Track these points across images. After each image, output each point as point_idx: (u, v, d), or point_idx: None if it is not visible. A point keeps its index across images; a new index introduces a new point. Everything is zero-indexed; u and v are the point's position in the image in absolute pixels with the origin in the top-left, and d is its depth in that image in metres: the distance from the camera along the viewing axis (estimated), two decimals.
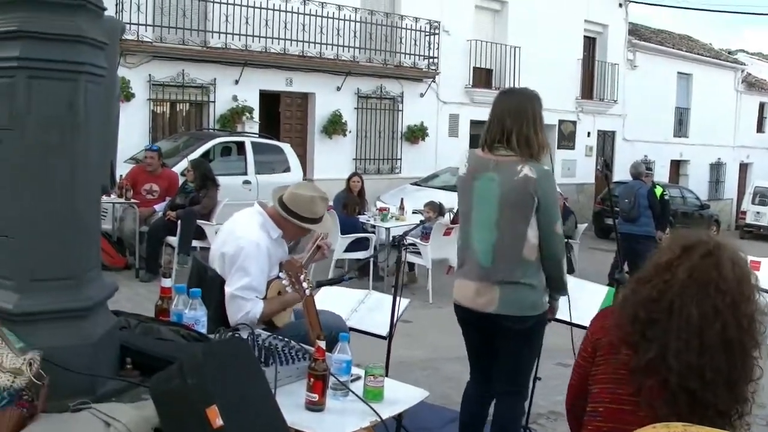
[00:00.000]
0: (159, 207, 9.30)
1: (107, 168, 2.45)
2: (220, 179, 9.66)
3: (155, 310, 3.01)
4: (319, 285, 3.35)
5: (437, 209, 9.58)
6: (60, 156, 2.18)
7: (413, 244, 8.70)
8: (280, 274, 3.14)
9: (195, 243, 9.01)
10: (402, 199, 10.86)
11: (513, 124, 3.45)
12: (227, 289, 3.41)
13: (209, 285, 3.42)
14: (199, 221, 8.94)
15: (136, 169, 9.54)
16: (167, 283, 3.00)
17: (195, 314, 2.91)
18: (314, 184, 3.74)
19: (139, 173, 9.41)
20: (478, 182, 3.50)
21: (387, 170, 17.04)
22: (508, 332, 3.48)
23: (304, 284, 3.06)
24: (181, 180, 9.67)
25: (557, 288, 3.56)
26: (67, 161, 2.21)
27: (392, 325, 3.84)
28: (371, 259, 8.67)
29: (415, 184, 14.75)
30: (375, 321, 4.07)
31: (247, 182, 11.40)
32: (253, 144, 11.85)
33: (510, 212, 3.43)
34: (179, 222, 8.84)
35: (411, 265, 9.37)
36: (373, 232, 9.92)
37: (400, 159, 17.22)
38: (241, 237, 3.46)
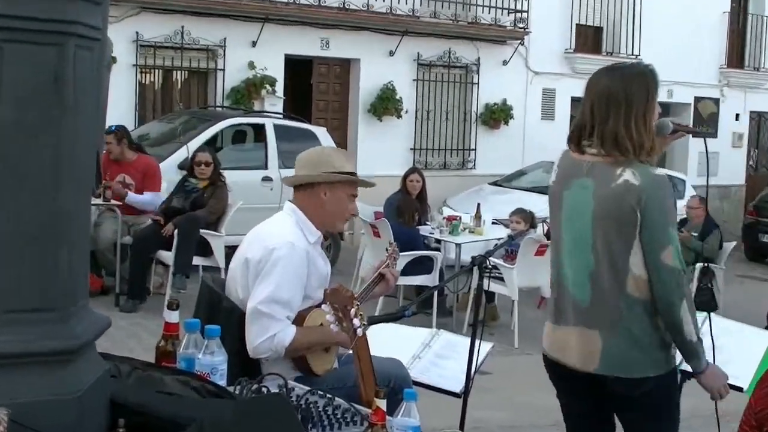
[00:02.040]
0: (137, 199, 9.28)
1: (94, 159, 2.49)
2: (232, 175, 9.75)
3: (156, 353, 3.02)
4: (371, 322, 3.38)
5: (528, 219, 9.59)
6: (42, 142, 2.19)
7: (495, 267, 8.73)
8: (324, 307, 3.20)
9: (197, 261, 9.07)
10: (478, 205, 10.87)
11: (599, 114, 3.45)
12: (249, 304, 3.59)
13: (224, 320, 3.48)
14: (203, 231, 8.99)
15: (103, 159, 9.59)
16: (173, 317, 3.02)
17: (212, 360, 2.93)
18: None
19: (106, 165, 9.50)
20: (569, 192, 3.51)
21: (457, 165, 16.97)
22: (621, 400, 3.43)
23: (355, 321, 3.10)
24: (169, 174, 9.70)
25: (679, 348, 3.45)
26: (51, 150, 2.21)
27: (469, 378, 3.87)
28: (437, 287, 8.60)
29: (495, 184, 14.83)
30: (444, 371, 4.15)
31: (267, 179, 11.48)
32: (276, 128, 11.89)
33: (607, 231, 3.40)
34: (176, 232, 8.89)
35: (490, 296, 9.36)
36: (438, 249, 9.91)
37: (475, 150, 17.16)
38: (271, 236, 3.68)
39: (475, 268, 3.84)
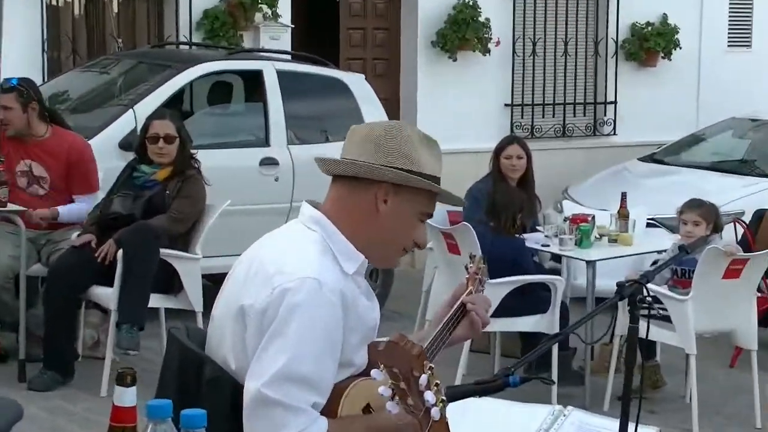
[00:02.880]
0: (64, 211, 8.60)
1: None
2: (210, 157, 8.90)
3: None
4: (452, 397, 3.13)
5: (711, 217, 8.46)
6: None
7: (657, 300, 7.80)
8: (374, 373, 2.95)
9: (156, 302, 8.19)
10: (624, 195, 9.41)
11: None
12: (249, 385, 3.28)
13: (208, 399, 3.25)
14: (165, 252, 8.06)
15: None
16: (127, 397, 2.73)
17: None
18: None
19: (3, 143, 8.67)
20: None
21: (583, 130, 15.18)
22: None
23: (428, 396, 2.80)
24: (105, 158, 8.94)
25: None
26: None
27: None
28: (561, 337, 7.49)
29: (651, 159, 13.07)
30: None
31: (269, 161, 10.34)
32: (282, 76, 10.51)
33: None
34: (120, 254, 7.89)
35: (650, 348, 8.33)
36: (558, 272, 9.10)
37: (615, 104, 15.23)
38: (283, 266, 3.36)
39: (624, 303, 3.60)
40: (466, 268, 3.96)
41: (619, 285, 3.75)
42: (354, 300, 3.41)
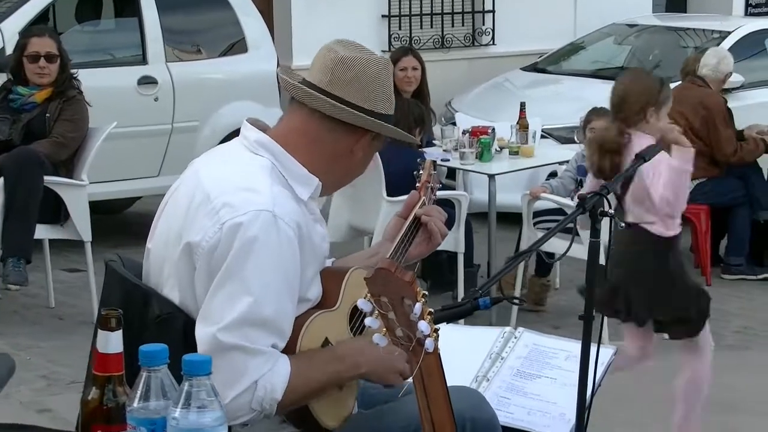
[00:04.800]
0: None
1: None
2: (83, 76, 8.71)
3: (82, 410, 2.63)
4: (442, 320, 3.09)
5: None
6: None
7: (561, 211, 7.92)
8: (360, 303, 2.81)
9: (43, 232, 8.05)
10: (523, 105, 9.35)
11: None
12: (202, 330, 3.15)
13: (156, 334, 3.11)
14: (48, 179, 7.91)
15: None
16: (112, 342, 2.61)
17: (201, 422, 2.50)
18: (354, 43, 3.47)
19: None
20: None
21: (462, 40, 15.01)
22: None
23: (422, 325, 2.72)
24: None
25: None
26: None
27: (583, 412, 3.59)
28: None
29: (534, 68, 13.01)
30: (535, 402, 4.00)
31: (148, 80, 10.09)
32: None
33: None
34: (4, 178, 7.86)
35: (543, 262, 8.57)
36: (452, 187, 9.17)
37: (493, 12, 15.02)
38: (232, 205, 3.18)
39: (585, 216, 3.61)
40: (416, 177, 3.86)
41: (581, 197, 3.75)
42: (308, 230, 3.27)
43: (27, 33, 8.66)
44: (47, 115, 8.05)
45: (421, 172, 3.83)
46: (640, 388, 6.44)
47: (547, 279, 8.70)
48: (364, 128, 3.29)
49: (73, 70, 8.34)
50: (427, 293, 2.78)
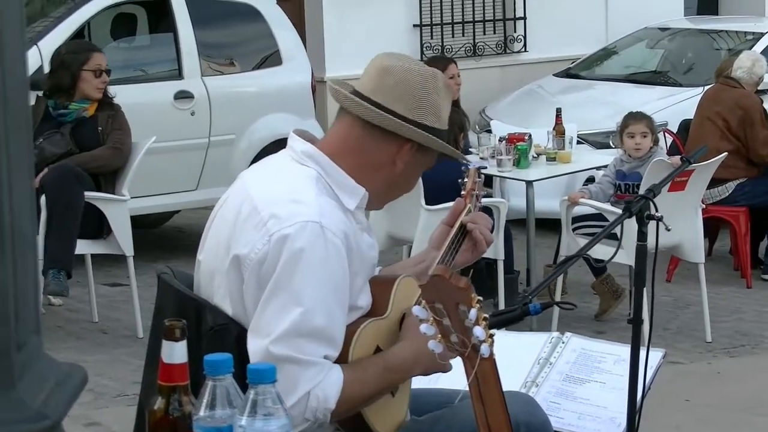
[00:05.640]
0: None
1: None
2: (119, 92, 8.71)
3: (148, 420, 2.66)
4: (492, 326, 2.90)
5: (655, 128, 8.56)
6: None
7: (601, 216, 7.89)
8: (416, 309, 2.77)
9: (84, 247, 7.96)
10: (558, 111, 9.26)
11: None
12: (256, 344, 3.14)
13: (210, 346, 3.15)
14: (91, 195, 7.87)
15: None
16: (177, 353, 2.61)
17: (267, 429, 2.55)
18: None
19: None
20: None
21: (494, 48, 15.02)
22: None
23: (477, 331, 2.70)
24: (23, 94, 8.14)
25: None
26: None
27: (634, 415, 3.59)
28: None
29: (567, 73, 12.92)
30: (587, 407, 3.98)
31: (184, 95, 10.07)
32: (191, 3, 10.31)
33: None
34: (45, 194, 7.74)
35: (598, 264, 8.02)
36: (490, 195, 8.84)
37: (524, 20, 15.04)
38: (279, 217, 3.17)
39: (632, 220, 3.61)
40: (461, 184, 3.87)
41: (628, 202, 3.73)
42: (356, 239, 3.26)
43: (81, 47, 8.71)
44: (99, 128, 8.10)
45: (465, 179, 3.83)
46: (689, 392, 6.38)
47: (606, 272, 8.49)
48: (405, 137, 3.28)
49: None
50: (482, 299, 2.76)
